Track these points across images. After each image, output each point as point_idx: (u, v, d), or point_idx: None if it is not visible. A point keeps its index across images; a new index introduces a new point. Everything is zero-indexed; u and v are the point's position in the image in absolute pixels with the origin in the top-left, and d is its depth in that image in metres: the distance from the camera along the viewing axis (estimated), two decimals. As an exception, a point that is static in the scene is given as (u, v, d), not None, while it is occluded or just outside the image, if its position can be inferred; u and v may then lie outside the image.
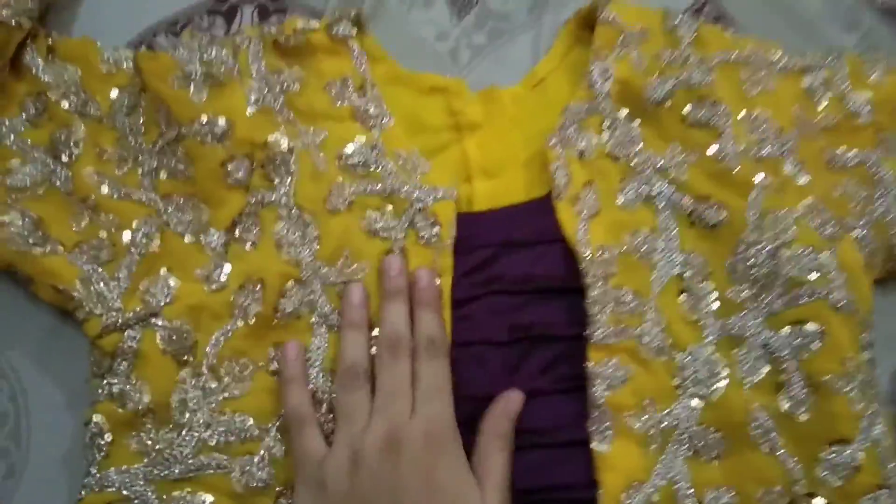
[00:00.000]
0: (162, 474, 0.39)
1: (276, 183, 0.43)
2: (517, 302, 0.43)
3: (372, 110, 0.46)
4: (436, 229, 0.43)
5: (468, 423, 0.40)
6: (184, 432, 0.40)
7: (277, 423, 0.40)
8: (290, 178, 0.43)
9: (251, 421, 0.40)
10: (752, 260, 0.42)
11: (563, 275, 0.43)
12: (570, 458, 0.40)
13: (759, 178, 0.43)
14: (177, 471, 0.39)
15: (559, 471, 0.40)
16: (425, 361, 0.39)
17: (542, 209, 0.44)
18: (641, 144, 0.45)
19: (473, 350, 0.42)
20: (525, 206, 0.45)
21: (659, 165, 0.45)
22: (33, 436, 0.43)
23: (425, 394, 0.38)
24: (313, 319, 0.42)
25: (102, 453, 0.39)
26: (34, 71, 0.43)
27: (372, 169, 0.45)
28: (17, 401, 0.43)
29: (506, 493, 0.38)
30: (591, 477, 0.39)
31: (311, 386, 0.40)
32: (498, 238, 0.44)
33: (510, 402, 0.40)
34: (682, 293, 0.43)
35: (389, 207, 0.44)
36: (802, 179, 0.45)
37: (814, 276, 0.41)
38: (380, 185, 0.44)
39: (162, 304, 0.41)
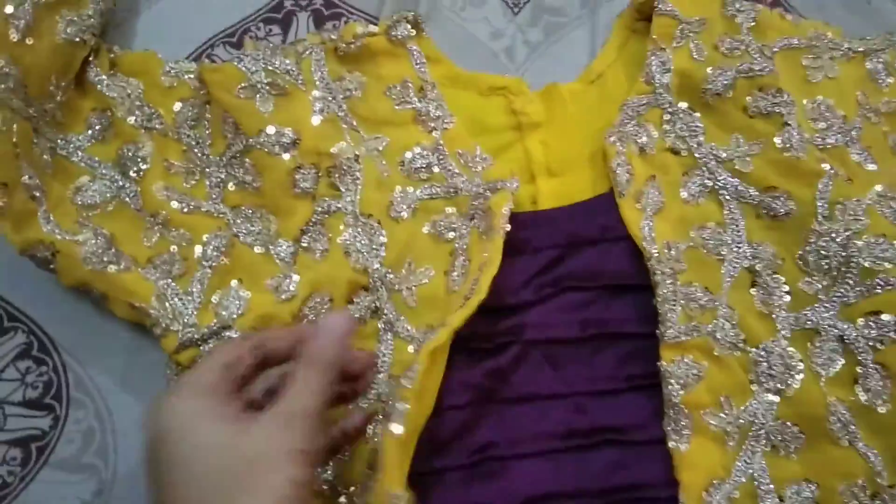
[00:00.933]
0: None
1: (342, 191, 0.43)
2: (587, 298, 0.43)
3: (433, 112, 0.46)
4: (492, 221, 0.43)
5: (538, 421, 0.40)
6: None
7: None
8: (356, 186, 0.43)
9: None
10: (824, 251, 0.41)
11: (631, 271, 0.42)
12: (648, 457, 0.40)
13: (825, 167, 0.43)
14: None
15: (638, 469, 0.40)
16: None
17: (606, 205, 0.44)
18: (703, 136, 0.45)
19: (546, 348, 0.42)
20: (589, 202, 0.45)
21: (722, 157, 0.44)
22: (120, 453, 0.43)
23: None
24: (380, 325, 0.42)
25: None
26: (98, 87, 0.43)
27: (435, 171, 0.44)
28: (103, 418, 0.44)
29: (305, 419, 0.33)
30: (671, 475, 0.39)
31: (375, 391, 0.40)
32: (563, 236, 0.44)
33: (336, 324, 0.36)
34: (752, 287, 0.42)
35: (452, 209, 0.44)
36: (870, 167, 0.44)
37: (888, 265, 0.40)
38: (442, 187, 0.44)
39: (234, 316, 0.41)
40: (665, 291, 0.41)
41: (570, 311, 0.43)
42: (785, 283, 0.42)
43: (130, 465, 0.43)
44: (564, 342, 0.42)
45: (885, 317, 0.40)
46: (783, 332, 0.41)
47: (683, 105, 0.46)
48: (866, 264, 0.40)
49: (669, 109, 0.46)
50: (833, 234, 0.41)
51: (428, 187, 0.44)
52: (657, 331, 0.41)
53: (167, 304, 0.41)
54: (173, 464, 0.32)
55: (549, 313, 0.43)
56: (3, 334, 0.44)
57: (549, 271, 0.43)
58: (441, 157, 0.45)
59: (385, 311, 0.42)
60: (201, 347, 0.40)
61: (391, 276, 0.42)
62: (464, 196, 0.44)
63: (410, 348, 0.41)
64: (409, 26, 0.45)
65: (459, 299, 0.40)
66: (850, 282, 0.41)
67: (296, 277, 0.42)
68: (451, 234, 0.43)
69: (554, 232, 0.44)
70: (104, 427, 0.43)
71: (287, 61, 0.43)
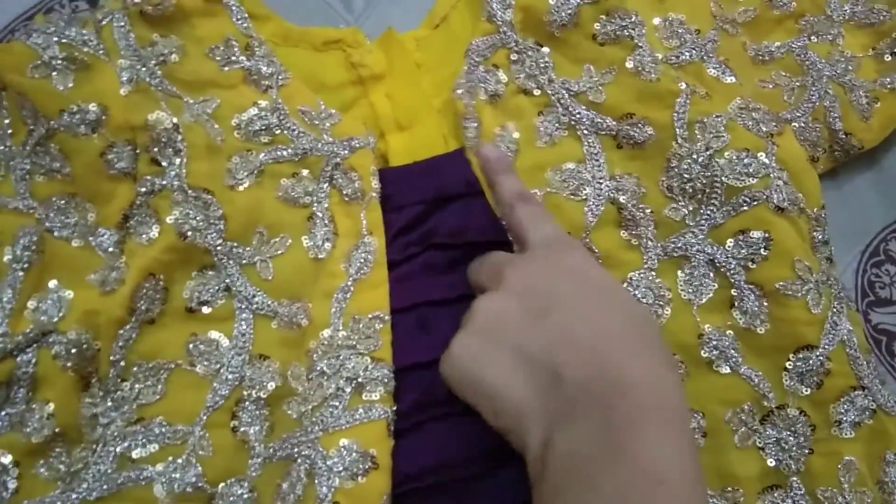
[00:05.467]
0: (80, 497, 0.35)
1: (164, 166, 0.39)
2: (454, 257, 0.40)
3: (265, 69, 0.42)
4: (357, 184, 0.40)
5: (418, 392, 0.37)
6: (98, 448, 0.36)
7: (203, 422, 0.37)
8: (179, 159, 0.39)
9: (171, 425, 0.37)
10: (687, 174, 0.40)
11: (494, 227, 0.40)
12: None
13: (682, 86, 0.41)
14: (95, 492, 0.35)
15: None
16: None
17: (464, 158, 0.41)
18: (553, 71, 0.43)
19: (416, 313, 0.39)
20: (448, 156, 0.42)
21: (574, 90, 0.42)
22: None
23: None
24: (235, 305, 0.38)
25: (9, 491, 0.35)
26: None
27: (278, 133, 0.41)
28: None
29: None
30: None
31: (234, 375, 0.37)
32: (425, 193, 0.41)
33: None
34: (618, 219, 0.40)
35: (305, 171, 0.41)
36: (729, 80, 0.42)
37: (752, 180, 0.39)
38: (290, 150, 0.41)
39: (56, 319, 0.37)
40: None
41: (436, 271, 0.40)
42: (651, 212, 0.40)
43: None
44: (433, 304, 0.39)
45: (754, 234, 0.38)
46: (649, 264, 0.39)
47: (530, 41, 0.43)
48: (730, 182, 0.39)
49: (516, 48, 0.43)
50: (694, 155, 0.40)
51: (272, 150, 0.41)
52: None
53: (-29, 316, 0.37)
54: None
55: (415, 275, 0.40)
56: None
57: (412, 230, 0.41)
58: (282, 116, 0.41)
59: (238, 288, 0.38)
60: (18, 358, 0.36)
61: (239, 249, 0.39)
62: (315, 157, 0.41)
63: (273, 324, 0.38)
64: (223, -20, 0.41)
65: (336, 267, 0.39)
66: (716, 202, 0.39)
67: (123, 267, 0.38)
68: (307, 199, 0.40)
69: (414, 189, 0.41)
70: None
71: (84, 31, 0.39)
